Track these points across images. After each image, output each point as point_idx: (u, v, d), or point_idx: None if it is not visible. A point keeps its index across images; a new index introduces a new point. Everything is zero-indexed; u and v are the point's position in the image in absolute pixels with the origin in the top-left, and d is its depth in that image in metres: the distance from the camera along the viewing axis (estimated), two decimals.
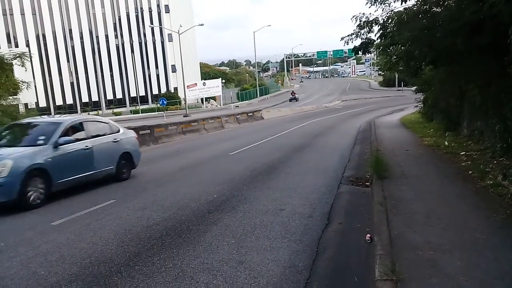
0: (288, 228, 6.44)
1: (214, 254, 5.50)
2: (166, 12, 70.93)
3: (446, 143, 13.95)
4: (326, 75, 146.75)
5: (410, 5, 11.37)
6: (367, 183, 9.44)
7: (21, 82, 22.07)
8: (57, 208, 8.33)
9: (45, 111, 54.03)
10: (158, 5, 70.90)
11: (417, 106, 23.85)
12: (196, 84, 64.10)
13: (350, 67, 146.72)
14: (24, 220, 7.55)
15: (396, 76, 63.70)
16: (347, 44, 13.72)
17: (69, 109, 65.88)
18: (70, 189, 9.45)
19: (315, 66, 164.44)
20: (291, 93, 67.52)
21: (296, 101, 62.40)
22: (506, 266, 4.39)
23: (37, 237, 6.50)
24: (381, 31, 13.12)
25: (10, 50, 24.93)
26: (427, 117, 22.14)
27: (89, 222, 7.20)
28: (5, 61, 20.21)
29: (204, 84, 64.68)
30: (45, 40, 64.96)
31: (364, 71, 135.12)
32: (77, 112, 65.54)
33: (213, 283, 4.66)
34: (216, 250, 5.62)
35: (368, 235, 5.83)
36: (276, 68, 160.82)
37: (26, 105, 47.30)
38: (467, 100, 13.93)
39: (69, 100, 67.38)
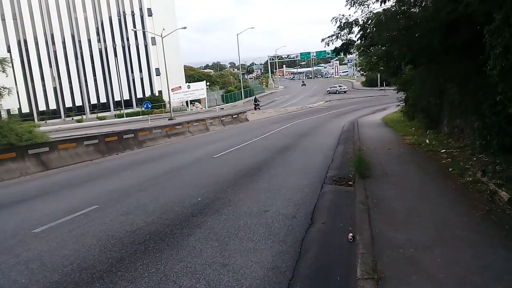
0: (272, 230, 6.47)
1: (198, 257, 5.50)
2: (149, 16, 70.46)
3: (427, 141, 14.14)
4: (310, 76, 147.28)
5: (389, 6, 11.53)
6: (350, 183, 9.52)
7: (2, 88, 21.78)
8: (39, 215, 8.22)
9: (28, 117, 53.21)
10: (140, 9, 70.44)
11: (398, 105, 24.15)
12: (180, 87, 63.82)
13: (333, 68, 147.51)
14: (5, 228, 7.45)
15: (379, 76, 64.30)
16: (328, 45, 13.84)
17: (53, 114, 65.09)
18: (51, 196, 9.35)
19: (299, 67, 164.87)
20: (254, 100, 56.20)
21: (259, 109, 51.58)
22: (485, 262, 4.48)
23: (19, 245, 6.43)
24: (361, 32, 13.27)
25: None
26: (408, 116, 22.42)
27: (72, 228, 7.14)
28: None
29: (188, 87, 64.45)
30: (27, 46, 63.98)
31: (347, 71, 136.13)
32: (60, 117, 64.81)
33: (196, 286, 4.67)
34: (200, 254, 5.63)
35: (351, 234, 5.89)
36: (261, 70, 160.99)
37: (8, 111, 46.67)
38: (447, 99, 14.16)
39: (53, 106, 66.46)
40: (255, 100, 53.86)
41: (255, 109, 49.63)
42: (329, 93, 72.66)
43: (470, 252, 4.76)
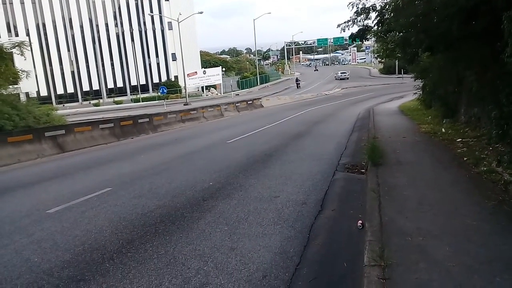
0: (281, 215, 6.48)
1: (207, 240, 5.55)
2: (165, 0, 70.34)
3: (443, 130, 13.95)
4: (327, 62, 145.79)
5: None
6: (362, 170, 9.47)
7: (20, 71, 22.07)
8: (54, 196, 8.38)
9: (46, 100, 53.89)
10: None
11: (415, 93, 23.80)
12: (196, 72, 63.91)
13: (350, 55, 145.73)
14: (20, 208, 7.61)
15: (397, 63, 63.35)
16: (344, 31, 13.68)
17: (70, 97, 65.86)
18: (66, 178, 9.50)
19: (316, 54, 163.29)
20: (296, 80, 70.78)
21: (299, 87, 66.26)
22: (494, 251, 4.43)
23: (32, 225, 6.57)
24: (378, 18, 13.07)
25: (9, 39, 24.91)
26: (425, 104, 22.10)
27: (85, 210, 7.26)
28: (5, 50, 20.19)
29: (204, 72, 64.48)
30: (45, 29, 64.60)
31: (365, 58, 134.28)
32: (78, 101, 65.59)
33: (203, 269, 4.72)
34: (209, 237, 5.68)
35: (360, 221, 5.87)
36: (277, 56, 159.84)
37: (27, 94, 47.38)
38: (465, 87, 13.89)
39: (70, 89, 67.27)
40: (297, 79, 69.38)
41: (297, 87, 64.87)
42: (335, 79, 78.95)
43: (479, 241, 4.70)
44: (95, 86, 68.36)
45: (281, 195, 7.61)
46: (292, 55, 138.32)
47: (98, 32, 68.14)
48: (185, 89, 55.04)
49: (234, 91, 67.21)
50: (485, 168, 7.95)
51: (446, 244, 4.68)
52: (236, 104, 32.49)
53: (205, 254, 5.12)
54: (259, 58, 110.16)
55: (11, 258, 5.27)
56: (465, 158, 9.24)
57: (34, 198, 8.42)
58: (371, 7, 13.25)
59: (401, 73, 64.42)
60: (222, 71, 71.66)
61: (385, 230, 5.22)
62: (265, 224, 6.09)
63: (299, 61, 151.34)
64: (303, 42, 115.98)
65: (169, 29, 70.08)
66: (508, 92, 8.84)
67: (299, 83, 67.81)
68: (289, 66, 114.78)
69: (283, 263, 4.79)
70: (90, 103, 62.44)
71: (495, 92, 9.87)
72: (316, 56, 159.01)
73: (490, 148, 9.94)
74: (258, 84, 76.77)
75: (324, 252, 5.15)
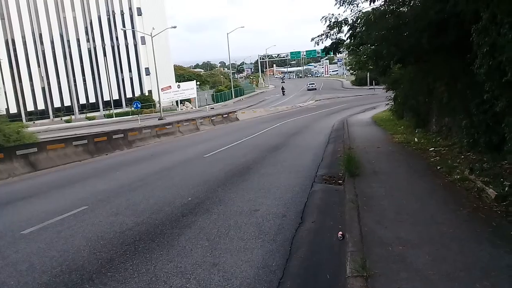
0: (262, 229, 6.48)
1: (188, 257, 5.49)
2: (138, 15, 70.04)
3: (416, 139, 14.27)
4: (300, 75, 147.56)
5: (378, 5, 11.60)
6: (339, 181, 9.57)
7: None
8: (27, 216, 8.14)
9: (15, 117, 52.63)
10: (130, 8, 69.99)
11: (387, 104, 24.33)
12: (170, 86, 63.68)
13: (323, 67, 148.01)
14: None
15: (368, 75, 64.71)
16: (318, 44, 13.89)
17: (41, 114, 64.42)
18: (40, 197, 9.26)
19: (289, 67, 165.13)
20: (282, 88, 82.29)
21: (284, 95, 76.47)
22: (472, 258, 4.53)
23: (7, 247, 6.37)
24: (350, 31, 13.33)
25: None
26: (397, 114, 22.60)
27: (61, 229, 7.08)
28: None
29: (178, 86, 64.34)
30: (15, 45, 63.23)
31: (337, 70, 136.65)
32: (49, 118, 64.18)
33: (186, 286, 4.67)
34: (190, 254, 5.62)
35: (340, 232, 5.92)
36: (251, 69, 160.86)
37: None
38: (435, 97, 14.29)
39: (41, 106, 65.79)
40: (282, 88, 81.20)
41: (283, 94, 75.73)
42: (307, 89, 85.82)
43: (457, 249, 4.81)
44: (67, 102, 67.19)
45: (261, 209, 7.61)
46: (266, 68, 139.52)
47: (69, 47, 67.18)
48: (160, 103, 54.64)
49: (209, 104, 67.13)
50: (458, 176, 8.16)
51: (425, 252, 4.77)
52: (212, 118, 32.46)
53: (187, 271, 5.06)
54: (233, 71, 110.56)
55: None
56: (438, 167, 9.47)
57: (7, 219, 8.17)
58: (343, 21, 13.53)
59: (372, 85, 65.82)
60: (197, 85, 71.61)
61: (365, 241, 5.29)
62: (246, 238, 6.08)
63: (273, 74, 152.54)
64: (276, 55, 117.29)
65: (142, 44, 69.71)
66: (478, 102, 9.16)
67: (284, 91, 78.92)
68: (263, 79, 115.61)
69: (266, 277, 4.78)
70: (61, 119, 61.22)
71: (465, 102, 10.22)
72: (290, 69, 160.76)
73: (462, 157, 10.22)
74: (233, 97, 76.96)
75: (306, 264, 5.16)
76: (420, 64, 12.46)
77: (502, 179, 7.43)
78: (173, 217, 7.44)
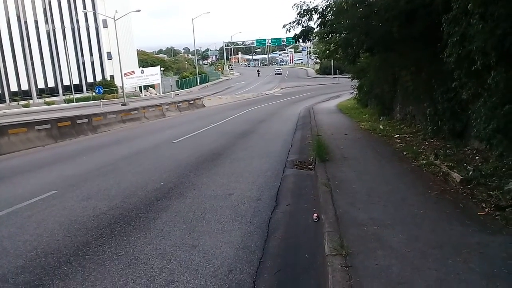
0: (238, 212, 6.56)
1: (166, 239, 5.50)
2: None
3: (381, 127, 14.70)
4: (265, 63, 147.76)
5: None
6: (310, 166, 9.77)
7: None
8: None
9: None
10: None
11: (352, 92, 24.86)
12: (133, 72, 62.33)
13: (288, 56, 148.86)
14: None
15: (332, 64, 65.60)
16: (289, 31, 14.02)
17: None
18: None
19: (254, 54, 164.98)
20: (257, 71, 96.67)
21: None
22: (443, 237, 4.78)
23: None
24: (320, 19, 13.51)
25: None
26: (362, 103, 23.16)
27: (31, 214, 6.91)
28: None
29: (142, 72, 63.06)
30: None
31: (302, 59, 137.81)
32: (5, 102, 61.47)
33: (167, 267, 4.68)
34: (168, 236, 5.63)
35: (315, 214, 6.08)
36: (216, 56, 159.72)
37: None
38: (400, 86, 14.75)
39: None
40: (258, 70, 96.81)
41: (258, 76, 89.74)
42: (275, 74, 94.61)
43: (428, 228, 5.06)
44: (24, 86, 64.64)
45: (235, 192, 7.68)
46: (231, 55, 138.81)
47: (26, 29, 64.44)
48: (123, 89, 53.39)
49: (173, 91, 66.24)
50: (424, 162, 8.51)
51: (399, 232, 4.99)
52: (178, 104, 32.09)
53: (166, 252, 5.08)
54: (198, 58, 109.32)
55: None
56: (404, 153, 9.83)
57: None
58: (313, 9, 13.70)
59: (336, 74, 66.83)
60: (161, 70, 70.37)
61: (341, 221, 5.46)
62: (224, 221, 6.14)
63: (238, 61, 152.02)
64: (241, 43, 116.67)
65: (104, 27, 67.69)
66: (443, 91, 9.56)
67: (259, 72, 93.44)
68: (228, 66, 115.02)
69: (247, 257, 4.87)
70: (18, 104, 58.76)
71: (430, 91, 10.62)
72: (255, 57, 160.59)
73: (426, 143, 10.66)
74: (198, 84, 76.22)
75: (285, 245, 5.29)
76: (387, 53, 12.78)
77: (465, 164, 7.83)
78: (147, 201, 7.39)
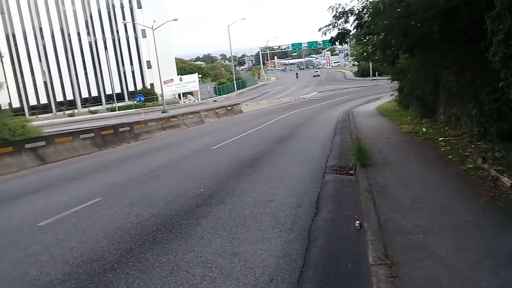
0: (278, 219, 6.50)
1: (207, 247, 5.53)
2: (138, 8, 69.84)
3: (424, 129, 14.24)
4: (302, 67, 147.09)
5: None
6: (350, 172, 9.58)
7: None
8: (42, 209, 8.20)
9: (18, 111, 52.58)
10: (129, 1, 69.76)
11: (392, 94, 24.27)
12: (172, 79, 63.57)
13: (324, 59, 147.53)
14: (9, 222, 7.44)
15: (371, 65, 64.46)
16: (325, 34, 13.88)
17: (44, 108, 64.61)
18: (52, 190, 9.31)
19: (290, 59, 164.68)
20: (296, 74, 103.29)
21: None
22: (494, 246, 4.54)
23: (25, 238, 6.42)
24: (356, 21, 13.30)
25: None
26: (403, 105, 22.55)
27: (77, 221, 7.13)
28: None
29: (180, 79, 64.20)
30: (15, 40, 63.31)
31: (339, 62, 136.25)
32: (51, 112, 64.23)
33: (208, 275, 4.69)
34: (209, 243, 5.65)
35: (358, 221, 5.94)
36: (252, 61, 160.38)
37: None
38: (443, 87, 14.26)
39: (43, 100, 66.02)
40: (296, 73, 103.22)
41: (297, 78, 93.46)
42: (313, 76, 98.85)
43: (478, 236, 4.83)
44: (69, 96, 67.30)
45: (274, 199, 7.64)
46: (267, 60, 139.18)
47: (70, 41, 67.17)
48: (162, 96, 54.52)
49: (211, 97, 67.05)
50: (471, 166, 8.15)
51: (446, 240, 4.78)
52: (216, 110, 32.43)
53: (208, 260, 5.10)
54: (234, 64, 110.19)
55: (8, 273, 5.14)
56: (450, 156, 9.46)
57: (22, 211, 8.24)
58: (349, 11, 13.50)
59: (375, 76, 65.56)
60: (198, 77, 71.42)
61: (384, 229, 5.30)
62: (264, 228, 6.10)
63: (274, 66, 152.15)
64: (277, 47, 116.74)
65: (143, 37, 69.56)
66: (489, 91, 9.13)
67: (297, 74, 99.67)
68: (264, 71, 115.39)
69: (288, 266, 4.81)
70: (64, 113, 61.28)
71: (475, 91, 10.18)
72: (291, 61, 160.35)
73: (473, 146, 10.21)
74: (235, 90, 76.80)
75: (326, 253, 5.18)
76: (428, 53, 12.39)
77: None
78: (187, 208, 7.47)
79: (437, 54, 12.37)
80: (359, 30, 14.11)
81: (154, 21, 52.51)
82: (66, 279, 4.83)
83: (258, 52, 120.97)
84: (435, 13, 9.13)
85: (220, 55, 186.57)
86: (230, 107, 35.38)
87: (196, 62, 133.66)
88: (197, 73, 73.33)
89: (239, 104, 38.67)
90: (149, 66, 70.18)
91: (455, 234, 4.96)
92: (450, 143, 11.22)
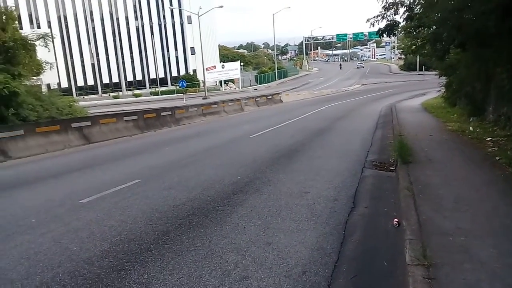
0: (314, 211, 6.44)
1: (242, 234, 5.55)
2: None
3: (470, 128, 13.68)
4: (345, 58, 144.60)
5: None
6: (391, 168, 9.35)
7: (45, 63, 22.37)
8: (84, 186, 8.50)
9: (66, 91, 54.60)
10: None
11: (439, 90, 23.42)
12: (215, 66, 64.10)
13: (370, 51, 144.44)
14: (53, 198, 7.75)
15: (418, 60, 62.48)
16: (373, 26, 13.50)
17: (90, 90, 66.84)
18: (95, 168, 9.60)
19: (334, 49, 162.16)
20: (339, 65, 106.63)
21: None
22: None
23: (67, 214, 6.67)
24: (407, 13, 12.86)
25: (33, 31, 25.32)
26: (450, 102, 21.72)
27: (117, 200, 7.34)
28: (29, 42, 20.50)
29: (223, 66, 64.63)
30: (67, 22, 65.64)
31: (384, 54, 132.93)
32: (97, 93, 66.37)
33: (242, 263, 4.71)
34: (243, 231, 5.67)
35: (396, 219, 5.80)
36: (295, 51, 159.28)
37: (48, 85, 48.10)
38: (494, 85, 13.60)
39: (90, 81, 68.30)
40: (340, 64, 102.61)
41: (340, 69, 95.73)
42: (357, 67, 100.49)
43: None
44: (115, 79, 69.20)
45: (311, 191, 7.56)
46: (310, 51, 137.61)
47: (118, 25, 68.87)
48: (204, 83, 55.18)
49: (252, 85, 67.17)
50: None
51: (489, 245, 4.58)
52: (256, 99, 32.47)
53: (241, 247, 5.12)
54: (277, 53, 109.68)
55: (50, 246, 5.35)
56: (497, 158, 9.04)
57: (66, 188, 8.56)
58: (399, 2, 13.07)
59: (422, 70, 63.52)
60: (240, 65, 71.61)
61: (424, 229, 5.14)
62: (299, 220, 6.06)
63: (317, 56, 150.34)
64: (321, 37, 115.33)
65: (188, 23, 70.32)
66: None
67: (341, 65, 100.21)
68: (307, 62, 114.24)
69: (322, 259, 4.75)
70: (109, 95, 63.19)
71: None
72: (334, 52, 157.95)
73: None
74: (276, 79, 76.54)
75: (362, 249, 5.09)
76: (481, 48, 11.82)
77: None
78: (224, 194, 7.52)
79: (491, 50, 11.79)
80: (409, 22, 13.65)
81: (200, 8, 52.94)
82: (104, 256, 4.99)
83: (302, 41, 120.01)
84: (492, 6, 8.68)
85: (263, 44, 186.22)
86: (270, 96, 35.31)
87: (239, 50, 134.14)
88: (239, 61, 73.56)
89: (279, 93, 38.53)
90: (193, 52, 70.98)
91: (499, 238, 4.74)
92: (498, 144, 10.72)
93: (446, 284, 3.82)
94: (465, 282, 3.82)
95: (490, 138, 11.55)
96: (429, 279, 3.90)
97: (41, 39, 21.65)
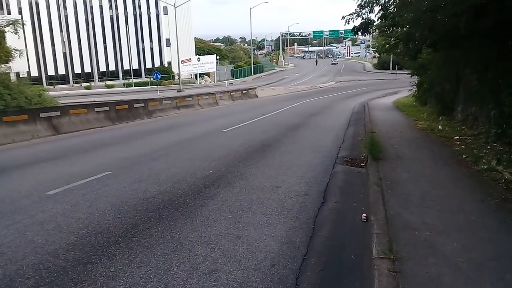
0: (285, 205, 6.47)
1: (212, 228, 5.53)
2: None
3: (440, 127, 14.01)
4: (321, 55, 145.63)
5: None
6: (361, 164, 9.49)
7: (14, 50, 21.65)
8: (52, 178, 8.28)
9: (36, 81, 53.08)
10: None
11: (411, 89, 23.91)
12: (190, 59, 63.50)
13: (345, 48, 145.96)
14: (19, 189, 7.52)
15: (391, 59, 63.56)
16: (348, 23, 13.64)
17: (61, 79, 65.12)
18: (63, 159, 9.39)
19: (310, 46, 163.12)
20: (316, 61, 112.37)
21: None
22: (502, 248, 4.47)
23: (33, 206, 6.49)
24: (381, 12, 13.03)
25: (2, 17, 24.48)
26: (421, 101, 22.21)
27: (85, 192, 7.19)
28: None
29: (198, 59, 64.11)
30: (38, 9, 63.65)
31: (359, 52, 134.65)
32: (69, 83, 64.76)
33: (211, 256, 4.70)
34: (214, 224, 5.65)
35: (364, 214, 5.89)
36: (271, 46, 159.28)
37: (17, 74, 46.60)
38: (463, 85, 13.97)
39: (62, 71, 66.55)
40: (316, 60, 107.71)
41: (316, 64, 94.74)
42: (331, 64, 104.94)
43: (486, 238, 4.74)
44: (87, 69, 67.71)
45: (282, 186, 7.60)
46: (287, 46, 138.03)
47: (92, 14, 67.35)
48: (179, 75, 54.61)
49: (227, 80, 66.88)
50: (485, 167, 8.00)
51: (453, 239, 4.71)
52: (231, 93, 32.35)
53: (211, 241, 5.10)
54: (253, 48, 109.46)
55: (14, 239, 5.20)
56: (464, 156, 9.30)
57: (32, 179, 8.31)
58: (374, 1, 13.23)
59: (395, 69, 64.68)
60: (216, 59, 71.22)
61: (391, 224, 5.24)
62: (269, 214, 6.08)
63: (294, 53, 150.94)
64: (298, 34, 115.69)
65: (164, 14, 69.47)
66: (511, 92, 8.92)
67: (317, 61, 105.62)
68: (283, 57, 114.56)
69: (291, 253, 4.79)
70: (81, 85, 61.71)
71: (496, 92, 9.96)
72: (311, 49, 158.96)
73: (488, 147, 10.01)
74: (252, 74, 76.50)
75: (330, 243, 5.15)
76: (452, 49, 12.10)
77: None
78: (195, 188, 7.47)
79: (461, 51, 12.09)
80: (383, 21, 13.84)
81: None
82: (70, 249, 4.88)
83: (279, 37, 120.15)
84: (464, 8, 8.86)
85: (240, 38, 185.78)
86: (245, 91, 35.25)
87: (215, 43, 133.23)
88: (215, 55, 73.05)
89: (254, 88, 38.51)
90: (168, 44, 70.22)
91: (463, 234, 4.88)
92: (465, 142, 11.02)
93: (410, 277, 3.91)
94: (428, 275, 3.92)
95: (458, 137, 11.86)
96: (394, 272, 3.98)
97: (10, 26, 20.93)
